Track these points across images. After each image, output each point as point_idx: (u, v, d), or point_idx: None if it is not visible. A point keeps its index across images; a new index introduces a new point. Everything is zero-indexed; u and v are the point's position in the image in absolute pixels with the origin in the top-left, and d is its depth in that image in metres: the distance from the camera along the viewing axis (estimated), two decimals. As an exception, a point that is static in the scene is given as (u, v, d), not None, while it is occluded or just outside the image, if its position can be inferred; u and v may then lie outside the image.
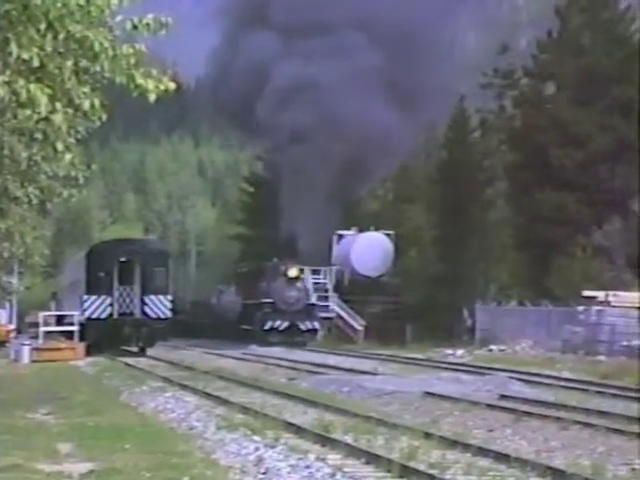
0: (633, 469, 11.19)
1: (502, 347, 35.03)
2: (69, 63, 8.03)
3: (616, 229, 38.79)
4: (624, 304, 32.73)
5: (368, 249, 47.24)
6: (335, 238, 48.97)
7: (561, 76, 44.32)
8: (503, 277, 45.26)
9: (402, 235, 47.82)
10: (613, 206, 40.42)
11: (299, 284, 42.90)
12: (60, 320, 39.42)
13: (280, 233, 46.87)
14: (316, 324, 42.88)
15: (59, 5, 7.61)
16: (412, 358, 31.64)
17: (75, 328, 34.60)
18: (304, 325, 42.45)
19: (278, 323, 42.17)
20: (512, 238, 44.15)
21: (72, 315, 35.74)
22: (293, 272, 42.57)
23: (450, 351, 34.64)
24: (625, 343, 30.57)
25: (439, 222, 47.33)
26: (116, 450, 11.77)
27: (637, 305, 32.61)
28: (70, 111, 8.35)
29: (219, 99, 54.13)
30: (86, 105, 8.14)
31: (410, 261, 47.62)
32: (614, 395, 19.04)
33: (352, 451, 11.64)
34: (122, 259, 35.45)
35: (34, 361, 29.85)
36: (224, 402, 17.32)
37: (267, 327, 42.14)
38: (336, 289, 46.33)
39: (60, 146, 9.30)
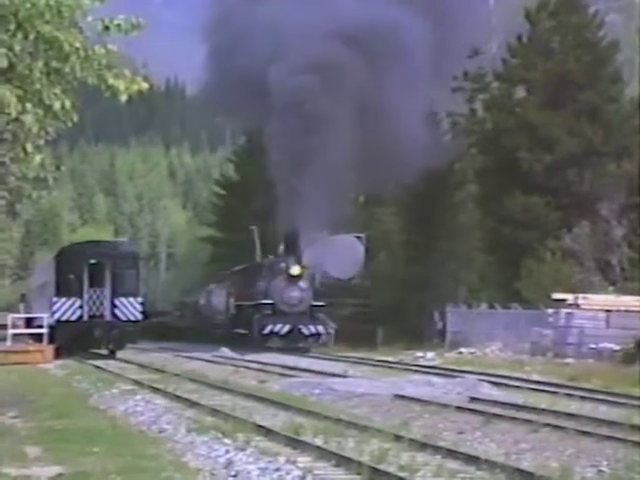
0: (600, 471, 11.29)
1: (472, 350, 35.17)
2: (39, 64, 7.99)
3: (585, 232, 39.11)
4: (593, 307, 32.99)
5: (339, 252, 47.24)
6: (306, 241, 48.97)
7: (531, 80, 44.64)
8: (473, 280, 45.47)
9: (373, 238, 47.91)
10: (581, 210, 40.75)
11: (302, 283, 38.34)
12: (29, 322, 39.11)
13: (275, 226, 41.27)
14: (320, 328, 38.32)
15: (28, 5, 7.57)
16: (383, 361, 31.69)
17: (44, 330, 34.34)
18: (307, 329, 37.95)
19: (279, 327, 37.65)
20: (482, 241, 44.38)
21: (41, 317, 35.50)
22: (295, 270, 38.06)
23: (420, 354, 34.73)
24: (593, 346, 30.80)
25: (410, 225, 47.45)
26: (85, 453, 11.70)
27: (605, 308, 32.89)
28: (40, 112, 8.31)
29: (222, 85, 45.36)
30: (57, 106, 8.11)
31: (381, 264, 47.70)
32: (582, 397, 19.18)
33: (322, 453, 11.65)
34: (92, 261, 35.25)
35: (1, 364, 29.57)
36: (194, 405, 17.26)
37: (266, 331, 37.68)
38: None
39: (30, 147, 9.25)
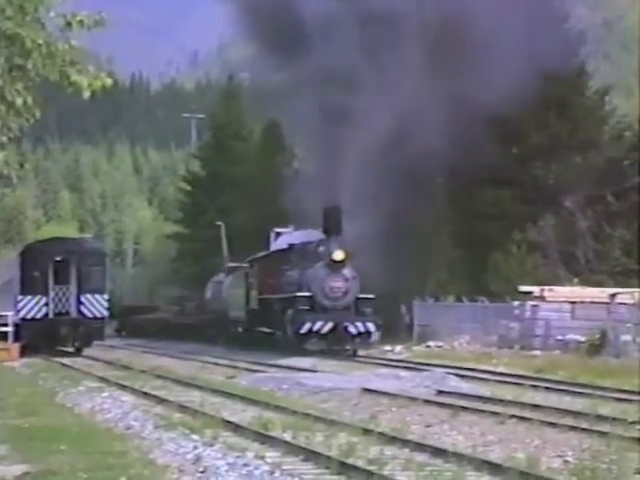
0: (566, 461, 11.39)
1: (440, 343, 35.32)
2: (1, 60, 7.93)
3: (549, 225, 39.36)
4: (558, 299, 33.24)
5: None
6: (272, 236, 48.86)
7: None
8: (441, 273, 45.56)
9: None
10: (547, 202, 40.99)
11: (346, 271, 31.78)
12: (-6, 321, 38.80)
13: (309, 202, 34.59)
14: (370, 325, 31.59)
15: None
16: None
17: (9, 329, 34.08)
18: (354, 327, 31.26)
19: (319, 324, 30.94)
20: (450, 235, 44.47)
21: (6, 316, 35.23)
22: (339, 255, 31.48)
23: (388, 347, 34.81)
24: (559, 337, 31.05)
25: (378, 218, 47.36)
26: (52, 451, 11.63)
27: (570, 300, 33.15)
28: (2, 108, 8.25)
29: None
30: (19, 102, 8.05)
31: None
32: (548, 389, 19.34)
33: (291, 448, 11.66)
34: (57, 258, 35.08)
35: (-33, 363, 29.35)
36: (162, 401, 17.21)
37: (304, 330, 30.93)
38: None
39: (-8, 145, 9.18)
